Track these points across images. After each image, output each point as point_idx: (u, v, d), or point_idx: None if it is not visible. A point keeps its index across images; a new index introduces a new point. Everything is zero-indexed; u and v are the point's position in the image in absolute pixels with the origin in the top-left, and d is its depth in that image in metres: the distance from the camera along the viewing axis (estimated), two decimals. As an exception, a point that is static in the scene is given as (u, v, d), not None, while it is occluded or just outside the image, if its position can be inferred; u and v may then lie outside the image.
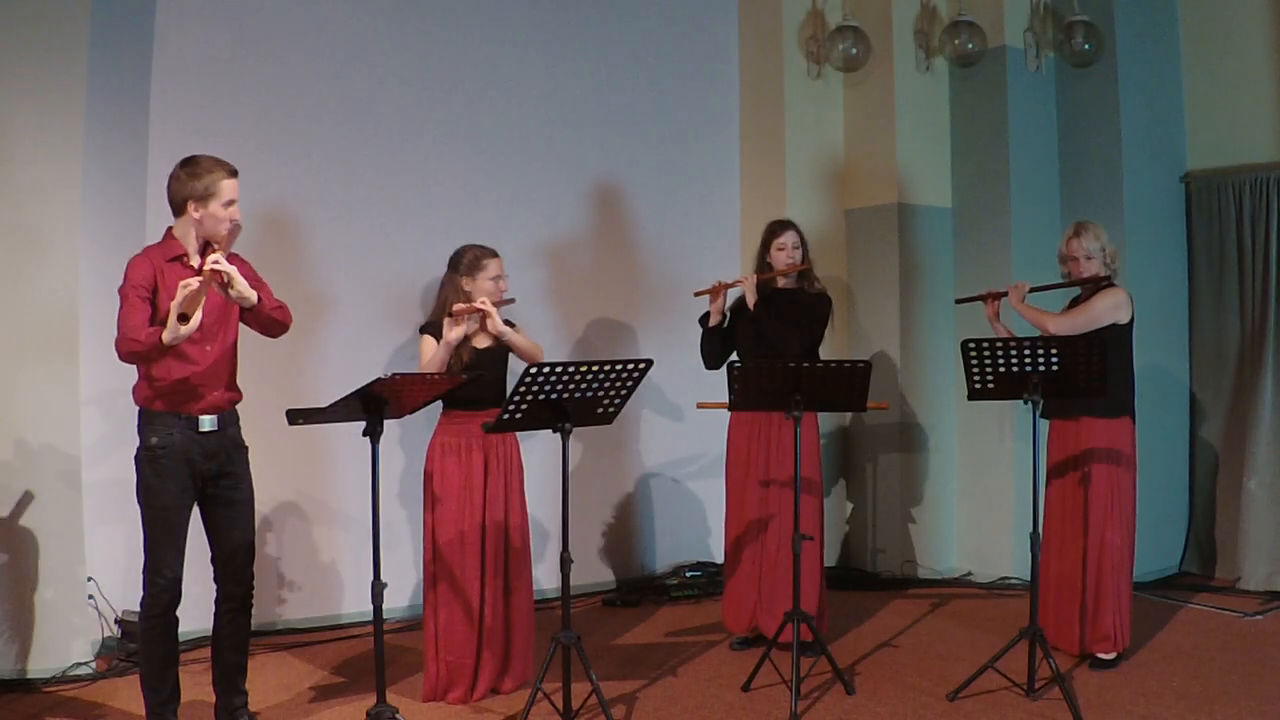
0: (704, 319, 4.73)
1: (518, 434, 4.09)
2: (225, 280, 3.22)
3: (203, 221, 3.35)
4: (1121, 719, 3.72)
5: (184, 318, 3.08)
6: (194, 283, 3.12)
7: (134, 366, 3.36)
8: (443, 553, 4.03)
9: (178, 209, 3.38)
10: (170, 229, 3.42)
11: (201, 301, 3.14)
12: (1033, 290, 4.42)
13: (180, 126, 4.72)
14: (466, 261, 4.12)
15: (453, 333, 3.96)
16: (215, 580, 3.52)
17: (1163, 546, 5.77)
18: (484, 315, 3.99)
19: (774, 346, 4.52)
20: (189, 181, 3.32)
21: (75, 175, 4.29)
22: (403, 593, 5.22)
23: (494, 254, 4.16)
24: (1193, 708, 3.79)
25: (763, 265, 4.68)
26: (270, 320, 3.49)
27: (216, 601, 3.54)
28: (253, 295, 3.30)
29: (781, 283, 4.67)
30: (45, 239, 4.25)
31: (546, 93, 5.71)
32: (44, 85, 4.24)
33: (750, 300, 4.56)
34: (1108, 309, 4.24)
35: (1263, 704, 3.81)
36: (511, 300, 4.12)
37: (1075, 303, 4.45)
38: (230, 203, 3.36)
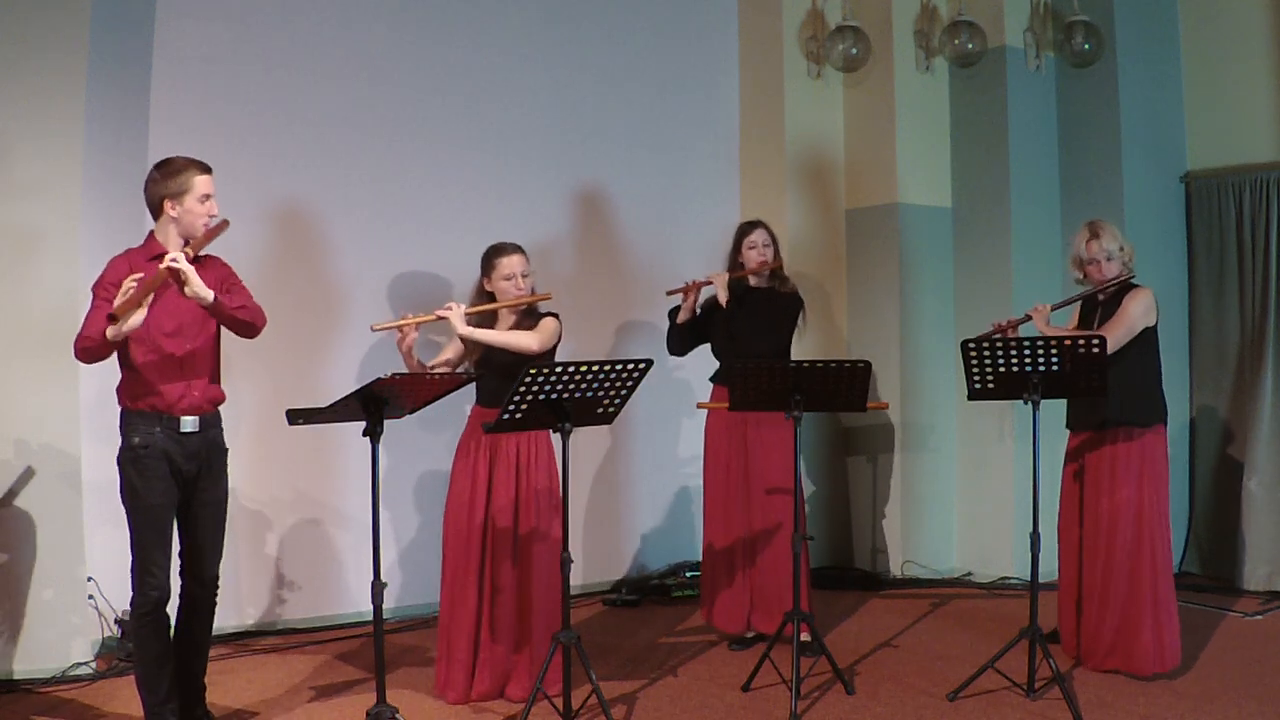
0: (673, 313, 4.78)
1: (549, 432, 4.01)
2: (183, 278, 3.22)
3: (180, 219, 3.38)
4: (1121, 719, 3.72)
5: (112, 318, 3.14)
6: (135, 280, 3.17)
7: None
8: (448, 548, 4.02)
9: (155, 210, 3.42)
10: (151, 232, 3.46)
11: (145, 301, 3.17)
12: (1054, 308, 4.28)
13: (180, 126, 4.72)
14: (484, 261, 4.09)
15: (402, 345, 3.91)
16: (180, 575, 3.53)
17: (1163, 546, 5.77)
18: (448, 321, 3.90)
19: (744, 346, 4.54)
20: (163, 181, 3.37)
21: (75, 175, 4.29)
22: (404, 592, 5.21)
23: (509, 251, 4.05)
24: (1193, 708, 3.79)
25: (734, 264, 4.73)
26: (232, 320, 3.43)
27: (180, 596, 3.54)
28: (208, 294, 3.26)
29: (754, 281, 4.72)
30: (45, 239, 4.25)
31: (546, 92, 5.70)
32: (44, 86, 4.24)
33: (723, 298, 4.60)
34: (1142, 314, 4.12)
35: (1263, 704, 3.81)
36: (544, 296, 4.04)
37: (1090, 304, 4.33)
38: (206, 197, 3.38)
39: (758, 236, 4.69)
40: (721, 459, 4.70)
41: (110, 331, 3.16)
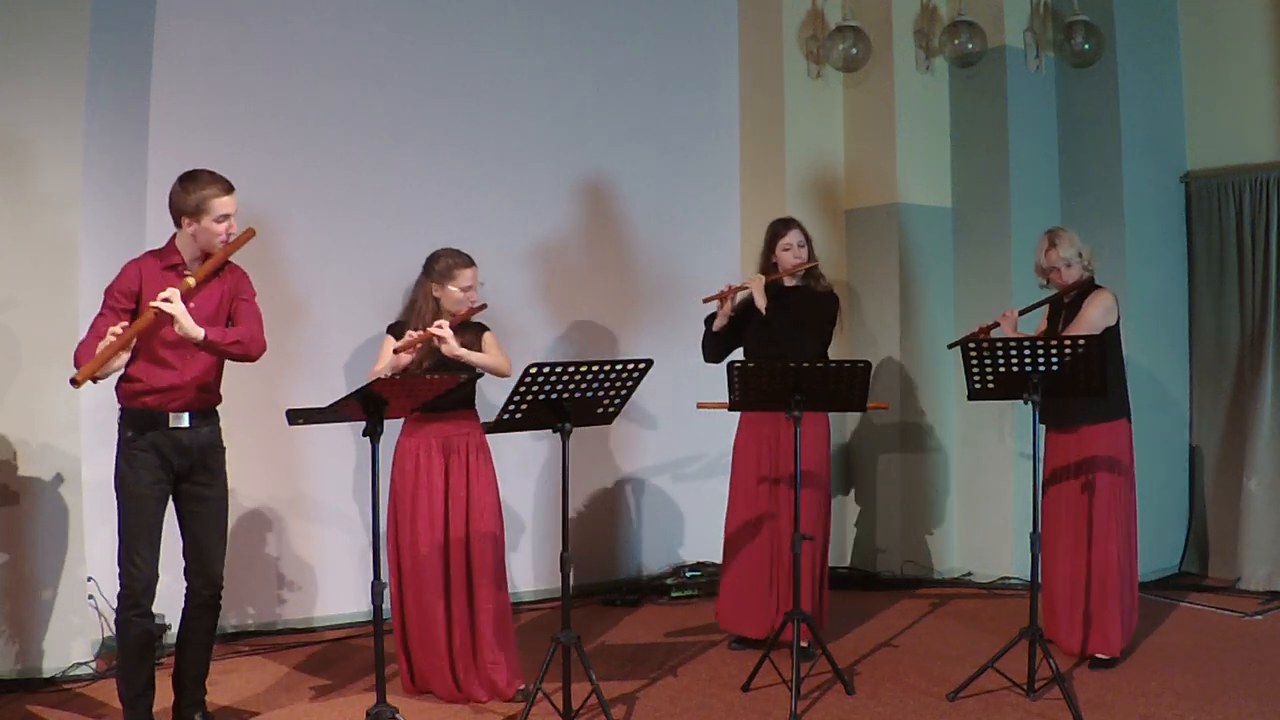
0: (709, 319, 4.72)
1: (489, 437, 4.03)
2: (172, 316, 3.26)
3: (196, 235, 3.43)
4: (1121, 719, 3.72)
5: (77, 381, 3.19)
6: (118, 329, 3.22)
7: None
8: (404, 558, 4.00)
9: (175, 220, 3.46)
10: (174, 236, 3.50)
11: (129, 344, 3.24)
12: (1021, 313, 4.43)
13: (180, 126, 4.73)
14: (439, 268, 4.02)
15: (400, 359, 3.89)
16: (184, 575, 3.55)
17: (1163, 546, 5.77)
18: (439, 340, 3.87)
19: (785, 348, 4.47)
20: (184, 195, 3.40)
21: (75, 176, 4.29)
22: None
23: (468, 263, 4.02)
24: (1193, 708, 3.79)
25: (767, 265, 4.65)
26: (224, 355, 3.47)
27: (185, 598, 3.57)
28: (197, 333, 3.28)
29: (789, 281, 4.64)
30: (45, 239, 4.25)
31: (546, 92, 5.70)
32: (44, 87, 4.24)
33: (761, 304, 4.53)
34: (1101, 314, 4.25)
35: (1263, 704, 3.81)
36: (482, 306, 4.00)
37: (1057, 308, 4.44)
38: (224, 218, 3.41)
39: (793, 237, 4.59)
40: (752, 455, 4.62)
41: (80, 376, 3.19)
